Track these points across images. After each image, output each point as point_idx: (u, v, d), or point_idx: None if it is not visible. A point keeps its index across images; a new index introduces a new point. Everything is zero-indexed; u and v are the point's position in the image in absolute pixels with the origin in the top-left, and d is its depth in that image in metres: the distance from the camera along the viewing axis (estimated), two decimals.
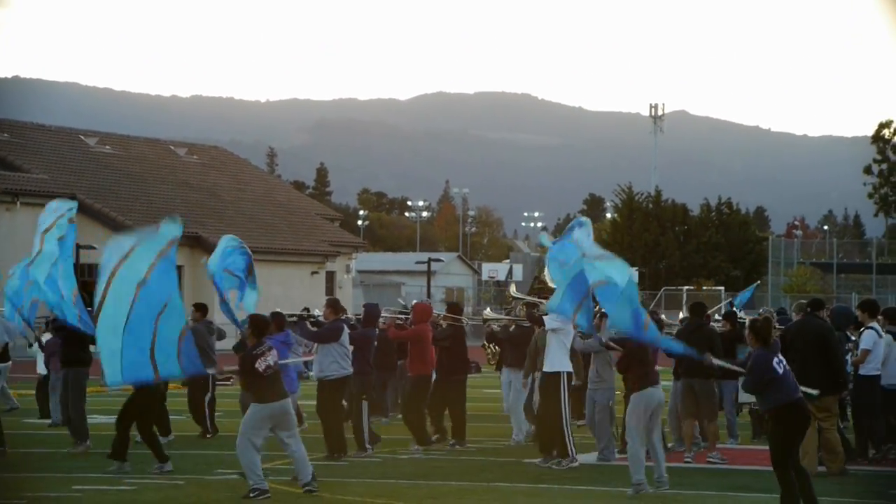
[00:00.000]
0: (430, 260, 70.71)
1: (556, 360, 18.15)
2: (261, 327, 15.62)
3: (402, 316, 23.18)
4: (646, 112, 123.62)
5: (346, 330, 19.46)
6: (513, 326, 21.44)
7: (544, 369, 18.34)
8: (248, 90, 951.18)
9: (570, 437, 18.07)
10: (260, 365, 15.18)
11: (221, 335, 23.51)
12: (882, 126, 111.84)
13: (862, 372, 18.75)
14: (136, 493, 15.54)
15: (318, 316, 21.06)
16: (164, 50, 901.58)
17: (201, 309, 23.14)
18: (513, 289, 22.47)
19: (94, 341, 19.97)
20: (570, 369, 18.29)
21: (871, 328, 19.05)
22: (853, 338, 19.41)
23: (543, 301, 20.10)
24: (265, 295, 54.77)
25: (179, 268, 59.40)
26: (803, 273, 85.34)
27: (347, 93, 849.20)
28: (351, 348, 19.41)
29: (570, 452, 17.98)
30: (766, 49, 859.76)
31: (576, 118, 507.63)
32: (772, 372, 13.54)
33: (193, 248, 60.22)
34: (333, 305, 19.66)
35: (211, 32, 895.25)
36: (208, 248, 59.97)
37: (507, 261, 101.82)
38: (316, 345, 19.70)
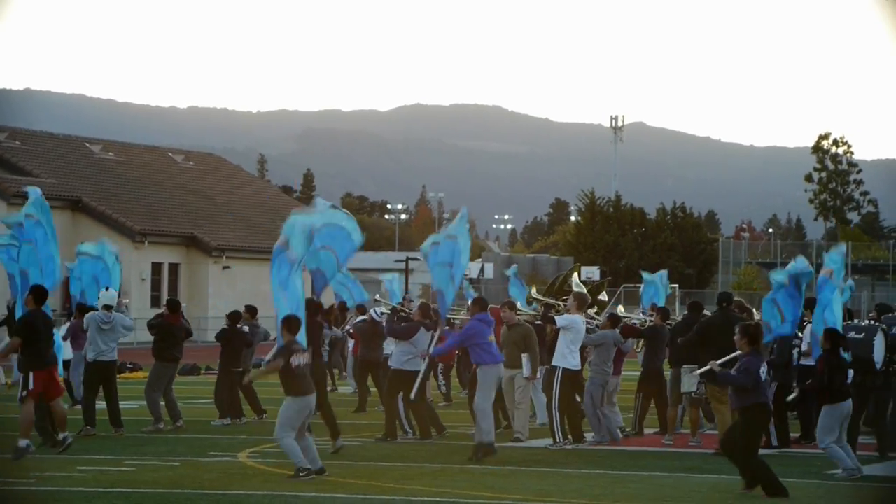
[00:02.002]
0: (407, 259, 70.68)
1: (559, 355, 18.53)
2: (294, 327, 15.53)
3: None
4: (607, 123, 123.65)
5: (424, 332, 19.51)
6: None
7: (553, 363, 18.76)
8: (241, 101, 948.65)
9: (557, 424, 18.32)
10: (294, 361, 15.23)
11: (266, 336, 23.52)
12: (821, 138, 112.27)
13: (803, 362, 18.82)
14: (135, 474, 15.48)
15: (409, 312, 21.08)
16: (163, 64, 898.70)
17: (251, 310, 23.36)
18: (534, 290, 22.41)
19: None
20: (570, 366, 18.48)
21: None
22: (799, 334, 19.45)
23: (561, 304, 20.32)
24: (256, 291, 54.68)
25: (176, 265, 59.29)
26: (750, 272, 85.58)
27: (332, 104, 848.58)
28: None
29: (556, 437, 18.33)
30: (717, 67, 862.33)
31: (543, 128, 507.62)
32: (759, 376, 13.92)
33: (189, 247, 60.04)
34: (423, 309, 19.96)
35: (207, 48, 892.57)
36: (203, 248, 59.91)
37: (479, 260, 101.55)
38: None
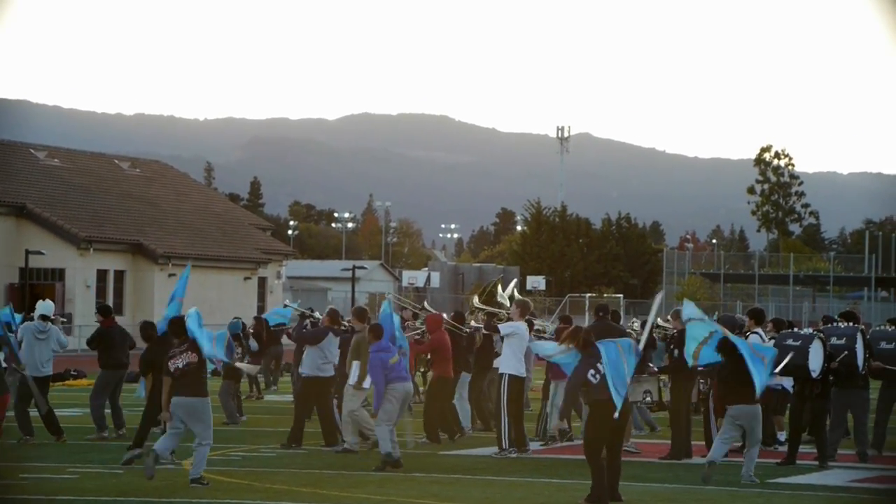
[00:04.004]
0: (354, 267, 70.45)
1: (504, 361, 18.58)
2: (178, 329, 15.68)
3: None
4: (553, 133, 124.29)
5: (332, 337, 19.52)
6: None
7: (499, 370, 18.74)
8: (188, 109, 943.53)
9: (505, 432, 18.32)
10: (171, 365, 15.35)
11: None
12: (763, 150, 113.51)
13: None
14: (78, 481, 15.35)
15: (318, 318, 21.08)
16: (109, 71, 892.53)
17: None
18: (475, 300, 22.37)
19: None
20: (516, 372, 18.47)
21: (756, 333, 19.32)
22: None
23: (503, 311, 20.41)
24: (202, 298, 54.43)
25: (121, 272, 58.84)
26: (694, 282, 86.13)
27: (280, 112, 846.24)
28: (338, 353, 19.58)
29: (503, 444, 18.37)
30: (663, 79, 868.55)
31: (489, 138, 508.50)
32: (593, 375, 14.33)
33: (135, 254, 59.61)
34: (332, 315, 19.94)
35: (153, 55, 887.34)
36: (149, 255, 59.51)
37: (426, 269, 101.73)
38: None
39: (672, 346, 18.51)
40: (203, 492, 14.62)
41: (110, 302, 56.56)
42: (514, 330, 18.51)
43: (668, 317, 20.40)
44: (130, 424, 21.09)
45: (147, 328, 18.36)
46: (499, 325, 19.06)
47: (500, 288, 22.57)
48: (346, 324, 20.44)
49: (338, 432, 19.28)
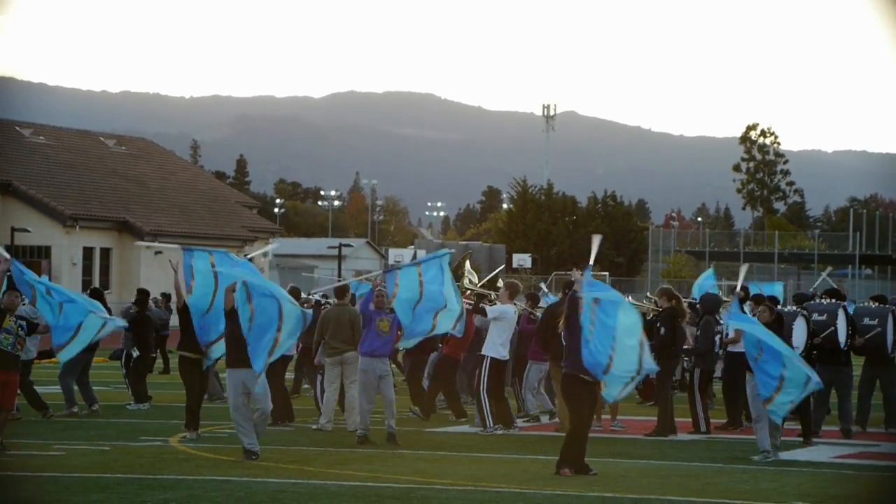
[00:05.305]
0: (340, 245, 70.37)
1: (489, 344, 18.62)
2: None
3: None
4: (539, 112, 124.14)
5: None
6: None
7: (482, 352, 18.81)
8: (174, 87, 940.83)
9: (487, 410, 18.42)
10: None
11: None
12: (749, 129, 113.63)
13: (731, 349, 19.01)
14: (64, 458, 15.30)
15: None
16: (95, 48, 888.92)
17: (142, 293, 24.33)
18: (466, 281, 22.32)
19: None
20: (499, 356, 18.51)
21: None
22: (721, 321, 19.62)
23: (493, 293, 20.43)
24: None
25: (107, 250, 58.70)
26: (679, 260, 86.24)
27: (266, 90, 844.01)
28: None
29: (486, 423, 18.45)
30: (648, 57, 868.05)
31: (475, 116, 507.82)
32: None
33: (121, 231, 59.49)
34: (292, 292, 19.85)
35: (139, 33, 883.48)
36: (135, 232, 59.37)
37: (412, 247, 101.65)
38: None
39: (658, 324, 18.52)
40: (190, 468, 14.61)
41: (96, 279, 56.51)
42: (500, 314, 18.54)
43: (651, 294, 20.43)
44: (117, 402, 21.07)
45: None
46: (486, 309, 19.02)
47: (468, 264, 22.50)
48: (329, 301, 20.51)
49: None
